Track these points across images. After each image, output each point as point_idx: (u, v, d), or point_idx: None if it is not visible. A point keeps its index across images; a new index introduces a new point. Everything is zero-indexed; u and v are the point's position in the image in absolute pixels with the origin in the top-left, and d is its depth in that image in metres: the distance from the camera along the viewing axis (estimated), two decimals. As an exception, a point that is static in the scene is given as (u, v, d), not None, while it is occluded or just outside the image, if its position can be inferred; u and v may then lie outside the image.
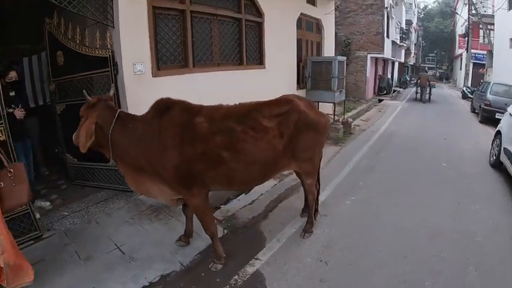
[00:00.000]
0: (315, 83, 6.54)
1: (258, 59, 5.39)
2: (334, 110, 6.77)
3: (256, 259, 2.82)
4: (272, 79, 5.59)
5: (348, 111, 9.20)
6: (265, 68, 5.46)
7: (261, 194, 4.22)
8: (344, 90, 6.93)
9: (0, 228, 1.97)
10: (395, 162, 5.25)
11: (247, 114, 2.50)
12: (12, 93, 3.15)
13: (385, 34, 12.91)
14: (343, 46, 12.06)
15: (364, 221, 3.43)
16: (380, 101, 13.31)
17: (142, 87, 3.51)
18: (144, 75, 3.55)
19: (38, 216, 3.36)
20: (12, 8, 2.98)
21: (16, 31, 3.85)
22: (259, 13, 5.22)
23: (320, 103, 6.85)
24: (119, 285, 2.50)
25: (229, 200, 4.13)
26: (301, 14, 6.44)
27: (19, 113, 3.09)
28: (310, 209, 3.18)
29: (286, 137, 2.59)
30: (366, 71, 12.38)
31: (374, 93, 14.80)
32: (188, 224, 3.01)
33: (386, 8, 12.63)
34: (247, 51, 5.11)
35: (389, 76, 17.91)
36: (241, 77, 4.94)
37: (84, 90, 2.45)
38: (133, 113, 2.54)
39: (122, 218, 3.41)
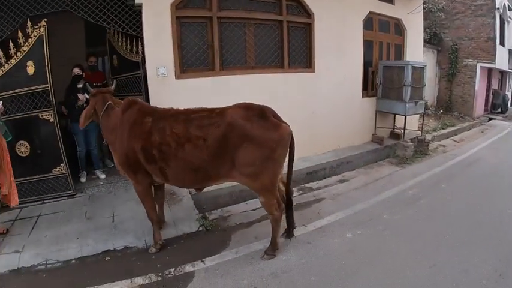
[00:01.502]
0: (385, 91, 6.02)
1: (305, 62, 5.46)
2: (405, 124, 5.99)
3: (202, 261, 3.16)
4: (324, 84, 5.55)
5: (444, 128, 7.86)
6: (314, 72, 5.47)
7: None
8: (423, 102, 6.03)
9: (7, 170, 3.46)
10: (452, 199, 4.41)
11: (181, 120, 2.96)
12: (79, 85, 4.55)
13: (498, 40, 10.53)
14: (449, 52, 10.22)
15: (348, 265, 3.05)
16: (490, 119, 11.10)
17: (165, 89, 4.35)
18: (167, 77, 4.36)
19: (83, 180, 4.84)
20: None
21: (98, 36, 5.38)
22: (308, 13, 5.29)
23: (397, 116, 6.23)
24: (92, 242, 3.46)
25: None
26: (370, 12, 6.00)
27: (82, 96, 4.48)
28: (273, 230, 3.17)
29: (214, 148, 2.84)
30: (475, 83, 10.11)
31: (485, 110, 12.23)
32: (160, 211, 3.67)
33: (498, 9, 10.19)
34: (292, 54, 5.28)
35: (508, 92, 14.39)
36: (282, 80, 5.17)
37: (86, 83, 3.71)
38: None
39: (132, 194, 4.24)
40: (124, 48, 4.61)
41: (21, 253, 3.31)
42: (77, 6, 3.98)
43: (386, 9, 6.25)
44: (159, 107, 3.24)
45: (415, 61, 5.94)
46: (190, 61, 4.59)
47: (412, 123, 6.62)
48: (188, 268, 3.07)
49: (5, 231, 3.67)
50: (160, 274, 3.01)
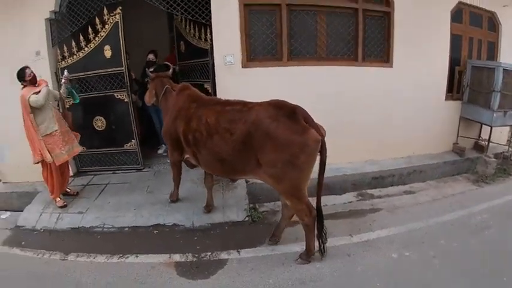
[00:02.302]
0: (473, 95, 5.24)
1: (382, 56, 5.05)
2: (490, 136, 5.21)
3: (237, 251, 3.37)
4: (402, 81, 5.07)
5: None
6: (392, 67, 5.03)
7: (325, 205, 4.15)
8: (515, 113, 5.11)
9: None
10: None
11: (216, 111, 3.17)
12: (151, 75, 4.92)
13: None
14: None
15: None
16: None
17: (231, 76, 4.52)
18: (233, 65, 4.52)
19: (160, 152, 5.65)
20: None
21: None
22: (387, 1, 4.83)
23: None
24: (146, 214, 3.97)
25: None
26: (460, 3, 5.15)
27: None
28: (306, 237, 3.11)
29: (239, 143, 2.94)
30: None
31: None
32: (208, 195, 3.98)
33: None
34: (367, 46, 4.93)
35: None
36: (354, 74, 4.89)
37: (147, 69, 4.24)
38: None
39: (192, 176, 4.65)
40: (192, 35, 4.86)
41: (84, 214, 3.99)
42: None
43: (478, 0, 5.37)
44: (206, 96, 3.70)
45: (508, 63, 5.03)
46: (258, 50, 4.67)
47: (501, 136, 5.74)
48: (223, 255, 3.31)
49: (75, 194, 4.39)
50: (196, 255, 3.30)
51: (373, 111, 4.95)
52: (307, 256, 3.14)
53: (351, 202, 4.39)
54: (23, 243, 3.81)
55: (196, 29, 4.73)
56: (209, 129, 3.11)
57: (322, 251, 3.15)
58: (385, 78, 5.04)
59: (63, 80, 4.14)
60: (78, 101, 4.35)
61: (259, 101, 3.05)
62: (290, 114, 2.81)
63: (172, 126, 3.57)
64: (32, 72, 3.95)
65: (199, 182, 4.52)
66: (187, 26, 4.89)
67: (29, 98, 3.80)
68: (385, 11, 4.90)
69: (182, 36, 5.15)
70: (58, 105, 4.34)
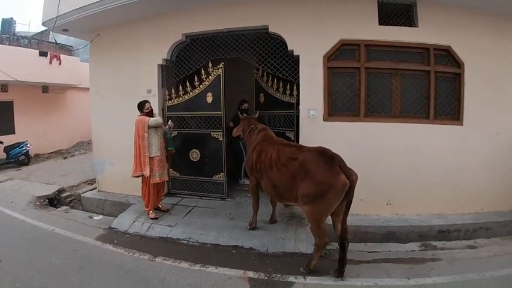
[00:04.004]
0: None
1: (452, 114, 5.45)
2: None
3: (303, 277, 3.85)
4: (473, 139, 5.37)
5: None
6: (462, 124, 5.38)
7: (389, 251, 4.61)
8: None
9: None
10: None
11: (279, 150, 4.25)
12: (242, 116, 5.91)
13: None
14: None
15: None
16: None
17: (313, 128, 5.37)
18: (316, 119, 5.39)
19: (242, 182, 6.50)
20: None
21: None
22: (457, 63, 5.31)
23: None
24: (227, 236, 4.75)
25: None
26: None
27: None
28: (313, 254, 3.96)
29: (289, 175, 3.97)
30: None
31: None
32: (273, 210, 5.13)
33: None
34: (438, 105, 5.40)
35: None
36: (425, 131, 5.33)
37: (238, 112, 5.40)
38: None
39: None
40: (274, 89, 5.86)
41: (172, 228, 4.99)
42: (247, 55, 5.62)
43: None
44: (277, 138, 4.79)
45: None
46: (338, 106, 5.45)
47: None
48: (291, 279, 3.83)
49: (166, 210, 5.52)
50: (267, 275, 3.90)
51: (443, 167, 5.30)
52: (307, 267, 3.90)
53: (413, 251, 4.65)
54: (115, 241, 4.78)
55: (281, 84, 5.73)
56: (271, 162, 4.25)
57: (342, 274, 3.81)
58: (455, 136, 5.37)
59: (167, 127, 5.45)
60: (172, 147, 5.58)
61: (333, 148, 3.87)
62: (328, 160, 3.71)
63: (251, 156, 4.73)
64: (150, 106, 5.26)
65: (278, 216, 5.18)
66: (270, 81, 5.90)
67: (149, 120, 5.09)
68: (455, 72, 5.36)
69: (262, 89, 6.16)
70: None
